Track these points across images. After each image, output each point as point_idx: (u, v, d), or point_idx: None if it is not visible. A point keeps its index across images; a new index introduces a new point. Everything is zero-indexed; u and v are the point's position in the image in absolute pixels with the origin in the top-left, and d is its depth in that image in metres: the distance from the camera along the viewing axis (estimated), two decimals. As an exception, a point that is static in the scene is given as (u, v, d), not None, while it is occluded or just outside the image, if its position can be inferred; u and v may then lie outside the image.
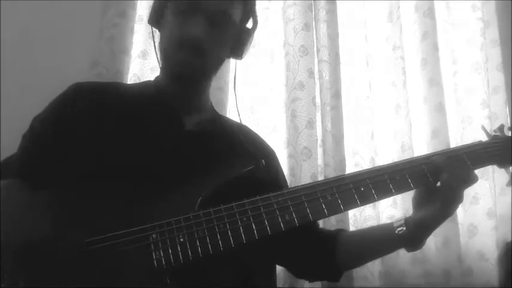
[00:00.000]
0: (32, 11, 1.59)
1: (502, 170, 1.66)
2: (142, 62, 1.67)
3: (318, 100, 1.64)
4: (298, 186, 0.91)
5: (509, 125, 1.08)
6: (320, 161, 1.60)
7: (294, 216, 0.84)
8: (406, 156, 1.61)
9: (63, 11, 1.62)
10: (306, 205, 0.85)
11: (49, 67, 1.54)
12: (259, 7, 1.71)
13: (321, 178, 1.60)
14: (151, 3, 1.09)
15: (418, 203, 0.97)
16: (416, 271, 1.57)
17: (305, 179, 1.55)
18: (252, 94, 1.68)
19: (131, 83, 1.09)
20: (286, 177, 1.50)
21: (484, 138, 1.08)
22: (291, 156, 1.57)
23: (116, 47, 1.54)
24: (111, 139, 0.89)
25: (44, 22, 1.60)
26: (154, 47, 1.07)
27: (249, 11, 1.07)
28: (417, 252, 1.55)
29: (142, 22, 1.69)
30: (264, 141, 1.17)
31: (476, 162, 0.98)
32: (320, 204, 0.86)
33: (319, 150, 1.61)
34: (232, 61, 1.52)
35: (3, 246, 0.75)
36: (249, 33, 1.08)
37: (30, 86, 1.49)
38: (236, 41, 1.05)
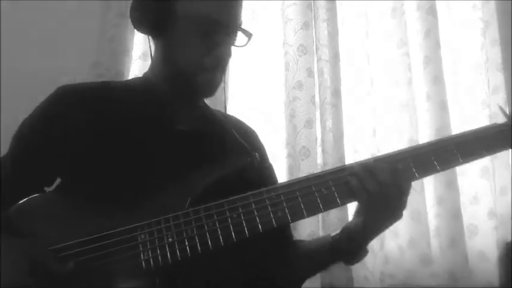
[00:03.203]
0: (32, 11, 1.60)
1: (502, 169, 1.67)
2: (144, 64, 1.68)
3: (317, 99, 1.64)
4: (292, 180, 0.87)
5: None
6: (319, 160, 1.60)
7: (287, 212, 0.81)
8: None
9: (63, 11, 1.63)
10: (300, 200, 0.81)
11: (50, 67, 1.55)
12: (258, 7, 1.73)
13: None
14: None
15: (358, 207, 0.92)
16: (423, 272, 1.56)
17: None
18: (251, 94, 1.68)
19: (118, 81, 1.05)
20: (285, 177, 1.51)
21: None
22: (289, 155, 1.57)
23: (117, 47, 1.54)
24: (99, 141, 0.89)
25: (45, 22, 1.61)
26: (151, 55, 1.03)
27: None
28: (422, 253, 1.56)
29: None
30: (256, 135, 1.15)
31: (489, 147, 0.94)
32: (315, 198, 0.82)
33: (319, 150, 1.60)
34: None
35: None
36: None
37: (30, 87, 1.49)
38: None
